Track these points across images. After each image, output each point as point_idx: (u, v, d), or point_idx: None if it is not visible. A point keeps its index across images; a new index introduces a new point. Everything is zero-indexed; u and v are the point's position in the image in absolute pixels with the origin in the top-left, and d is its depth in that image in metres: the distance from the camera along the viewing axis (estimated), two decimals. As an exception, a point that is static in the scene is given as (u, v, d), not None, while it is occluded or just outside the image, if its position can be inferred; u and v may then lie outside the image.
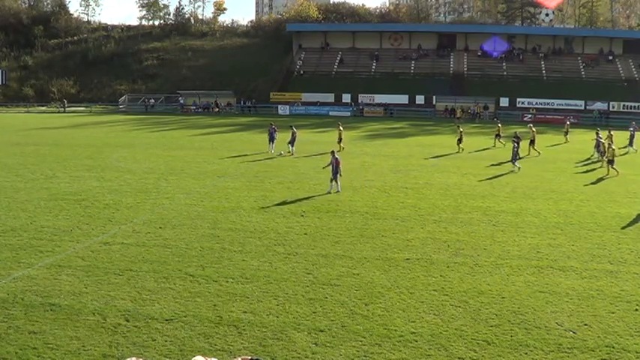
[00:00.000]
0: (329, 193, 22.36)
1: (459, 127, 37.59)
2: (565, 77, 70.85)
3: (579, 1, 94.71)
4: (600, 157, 31.57)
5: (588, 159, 33.19)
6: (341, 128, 36.59)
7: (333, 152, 23.32)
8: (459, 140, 35.66)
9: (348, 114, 67.22)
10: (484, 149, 37.23)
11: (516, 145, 28.93)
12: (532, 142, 34.30)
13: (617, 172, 27.27)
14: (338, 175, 22.60)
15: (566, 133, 42.53)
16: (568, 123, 45.12)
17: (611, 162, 27.65)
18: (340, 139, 35.89)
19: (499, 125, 38.84)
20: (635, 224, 18.39)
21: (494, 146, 37.25)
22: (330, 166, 22.77)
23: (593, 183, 25.68)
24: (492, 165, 30.43)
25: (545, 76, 72.22)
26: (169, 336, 10.41)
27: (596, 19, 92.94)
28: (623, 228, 17.94)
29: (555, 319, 11.26)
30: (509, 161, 29.44)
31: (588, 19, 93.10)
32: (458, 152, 35.12)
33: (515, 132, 32.44)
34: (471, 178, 26.48)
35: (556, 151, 37.05)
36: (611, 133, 34.50)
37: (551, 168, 29.76)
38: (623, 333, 10.67)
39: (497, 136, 37.72)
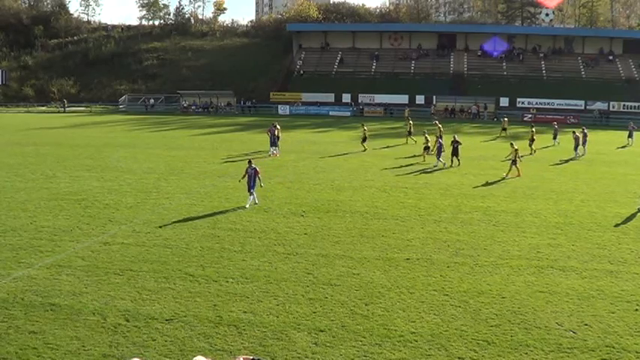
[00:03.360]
0: (253, 204, 20.09)
1: (363, 124, 37.53)
2: (565, 77, 70.83)
3: (579, 1, 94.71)
4: (581, 153, 33.37)
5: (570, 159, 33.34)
6: (278, 127, 36.38)
7: (250, 161, 20.65)
8: (364, 139, 35.25)
9: (348, 114, 67.22)
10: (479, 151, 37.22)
11: (440, 142, 29.75)
12: (440, 137, 34.94)
13: (519, 172, 26.72)
14: (256, 188, 20.22)
15: (504, 129, 45.12)
16: (505, 119, 47.46)
17: (513, 162, 26.79)
18: (278, 138, 35.31)
19: (533, 130, 36.37)
20: (635, 224, 18.39)
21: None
22: (247, 178, 20.19)
23: (485, 185, 25.68)
24: (492, 166, 30.44)
25: (545, 76, 72.20)
26: (169, 336, 10.42)
27: (596, 19, 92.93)
28: (623, 228, 17.94)
29: (555, 319, 11.27)
30: (510, 160, 29.49)
31: (588, 19, 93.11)
32: (364, 151, 34.85)
33: (454, 135, 31.87)
34: (471, 177, 26.48)
35: (500, 148, 36.96)
36: (533, 129, 36.32)
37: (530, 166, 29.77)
38: (623, 333, 10.68)
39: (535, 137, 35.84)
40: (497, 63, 74.42)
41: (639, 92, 66.52)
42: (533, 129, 36.74)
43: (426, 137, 32.17)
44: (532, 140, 35.48)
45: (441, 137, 34.41)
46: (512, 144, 27.59)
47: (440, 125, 36.83)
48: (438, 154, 29.73)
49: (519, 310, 11.68)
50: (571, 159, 33.11)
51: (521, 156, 27.60)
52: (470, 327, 10.90)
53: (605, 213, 19.79)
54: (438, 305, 11.90)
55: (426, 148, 31.63)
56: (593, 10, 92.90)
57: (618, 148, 39.63)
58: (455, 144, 29.62)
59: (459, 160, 29.67)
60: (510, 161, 27.15)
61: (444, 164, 29.50)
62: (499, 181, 25.70)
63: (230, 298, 12.11)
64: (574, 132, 35.13)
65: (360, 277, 13.42)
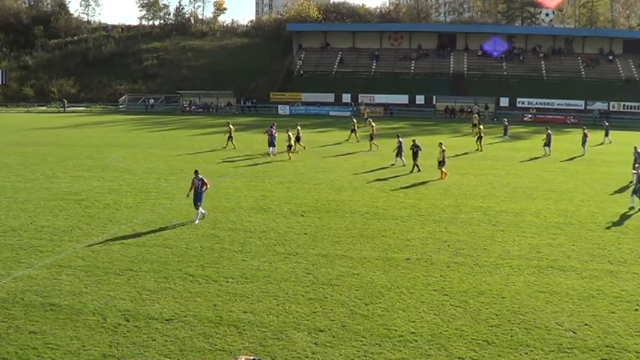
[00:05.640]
0: (199, 219, 18.17)
1: (296, 124, 37.51)
2: (565, 77, 70.81)
3: (579, 1, 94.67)
4: (548, 153, 34.06)
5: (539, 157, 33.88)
6: (231, 126, 36.54)
7: (196, 172, 18.51)
8: (297, 139, 34.33)
9: (348, 114, 67.16)
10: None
11: (400, 142, 29.64)
12: (371, 137, 35.77)
13: (445, 174, 25.90)
14: (203, 201, 18.40)
15: (474, 125, 45.47)
16: (475, 115, 48.92)
17: (440, 163, 25.98)
18: (230, 137, 35.70)
19: (480, 127, 37.47)
20: (635, 224, 18.39)
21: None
22: (193, 190, 18.22)
23: (417, 184, 25.68)
24: (492, 165, 30.46)
25: (545, 76, 72.18)
26: (169, 336, 10.42)
27: (596, 19, 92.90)
28: (623, 228, 17.94)
29: (555, 319, 11.27)
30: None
31: (588, 19, 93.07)
32: (294, 152, 33.19)
33: (414, 139, 29.77)
34: (471, 177, 26.47)
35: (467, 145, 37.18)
36: (481, 127, 37.05)
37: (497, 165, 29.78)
38: (623, 333, 10.68)
39: (480, 138, 36.59)
40: (497, 63, 74.38)
41: (639, 92, 66.52)
42: (481, 126, 37.45)
43: (288, 135, 32.21)
44: (480, 137, 36.01)
45: (372, 137, 35.65)
46: (440, 144, 26.54)
47: (373, 125, 37.15)
48: (399, 153, 29.56)
49: (519, 310, 11.68)
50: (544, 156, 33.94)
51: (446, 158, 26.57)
52: (470, 327, 10.90)
53: (605, 213, 19.79)
54: (438, 305, 11.90)
55: (289, 147, 31.74)
56: (593, 10, 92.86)
57: (594, 146, 39.65)
58: (414, 148, 27.60)
59: (417, 165, 27.59)
60: (438, 163, 26.10)
61: (397, 164, 29.31)
62: (426, 182, 25.31)
63: (230, 298, 12.11)
64: (547, 129, 36.07)
65: (360, 277, 13.42)
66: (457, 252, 15.36)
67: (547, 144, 34.43)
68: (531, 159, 33.02)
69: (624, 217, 19.21)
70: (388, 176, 26.63)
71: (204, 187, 18.30)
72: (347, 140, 39.77)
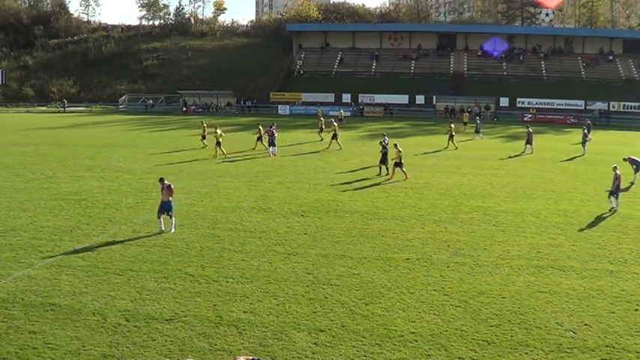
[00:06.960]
0: (162, 231, 16.89)
1: (258, 124, 37.55)
2: (565, 77, 70.84)
3: (579, 1, 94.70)
4: (530, 151, 34.81)
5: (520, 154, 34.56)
6: (205, 125, 36.46)
7: (161, 180, 17.20)
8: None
9: (349, 114, 67.12)
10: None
11: (385, 140, 29.32)
12: (335, 136, 35.97)
13: (406, 175, 25.40)
14: (172, 211, 16.91)
15: (465, 123, 46.43)
16: (466, 114, 50.70)
17: (398, 165, 25.30)
18: (204, 137, 35.66)
19: (451, 126, 37.45)
20: (635, 224, 18.39)
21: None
22: (161, 196, 17.06)
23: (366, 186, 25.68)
24: (492, 165, 30.46)
25: (545, 76, 72.20)
26: (169, 336, 10.42)
27: (596, 19, 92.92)
28: (623, 228, 17.94)
29: (555, 319, 11.27)
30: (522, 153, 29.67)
31: (588, 19, 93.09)
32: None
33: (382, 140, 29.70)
34: (471, 177, 26.47)
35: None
36: (452, 125, 37.37)
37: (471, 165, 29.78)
38: (623, 333, 10.68)
39: (451, 136, 36.72)
40: (497, 63, 74.42)
41: (639, 92, 66.54)
42: (452, 125, 37.82)
43: (216, 133, 32.30)
44: (452, 136, 36.45)
45: (335, 136, 35.83)
46: (396, 145, 25.71)
47: (335, 125, 37.14)
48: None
49: (519, 310, 11.68)
50: (525, 154, 34.61)
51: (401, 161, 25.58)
52: (470, 327, 10.90)
53: (605, 213, 19.79)
54: (438, 305, 11.90)
55: (218, 144, 31.92)
56: (593, 10, 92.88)
57: (574, 144, 39.71)
58: (384, 149, 26.96)
59: (387, 167, 26.57)
60: (395, 164, 25.47)
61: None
62: (385, 182, 25.21)
63: (230, 298, 12.11)
64: (528, 127, 36.87)
65: (360, 277, 13.42)
66: (457, 252, 15.36)
67: (528, 142, 35.14)
68: (511, 157, 33.67)
69: (624, 217, 19.21)
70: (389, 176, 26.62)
71: (172, 193, 16.92)
72: (324, 140, 39.25)
